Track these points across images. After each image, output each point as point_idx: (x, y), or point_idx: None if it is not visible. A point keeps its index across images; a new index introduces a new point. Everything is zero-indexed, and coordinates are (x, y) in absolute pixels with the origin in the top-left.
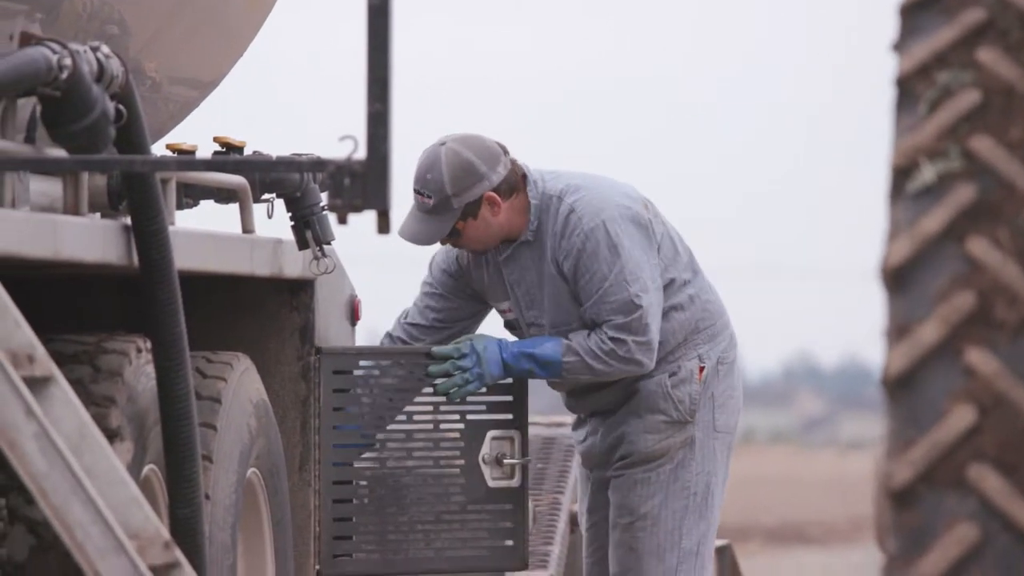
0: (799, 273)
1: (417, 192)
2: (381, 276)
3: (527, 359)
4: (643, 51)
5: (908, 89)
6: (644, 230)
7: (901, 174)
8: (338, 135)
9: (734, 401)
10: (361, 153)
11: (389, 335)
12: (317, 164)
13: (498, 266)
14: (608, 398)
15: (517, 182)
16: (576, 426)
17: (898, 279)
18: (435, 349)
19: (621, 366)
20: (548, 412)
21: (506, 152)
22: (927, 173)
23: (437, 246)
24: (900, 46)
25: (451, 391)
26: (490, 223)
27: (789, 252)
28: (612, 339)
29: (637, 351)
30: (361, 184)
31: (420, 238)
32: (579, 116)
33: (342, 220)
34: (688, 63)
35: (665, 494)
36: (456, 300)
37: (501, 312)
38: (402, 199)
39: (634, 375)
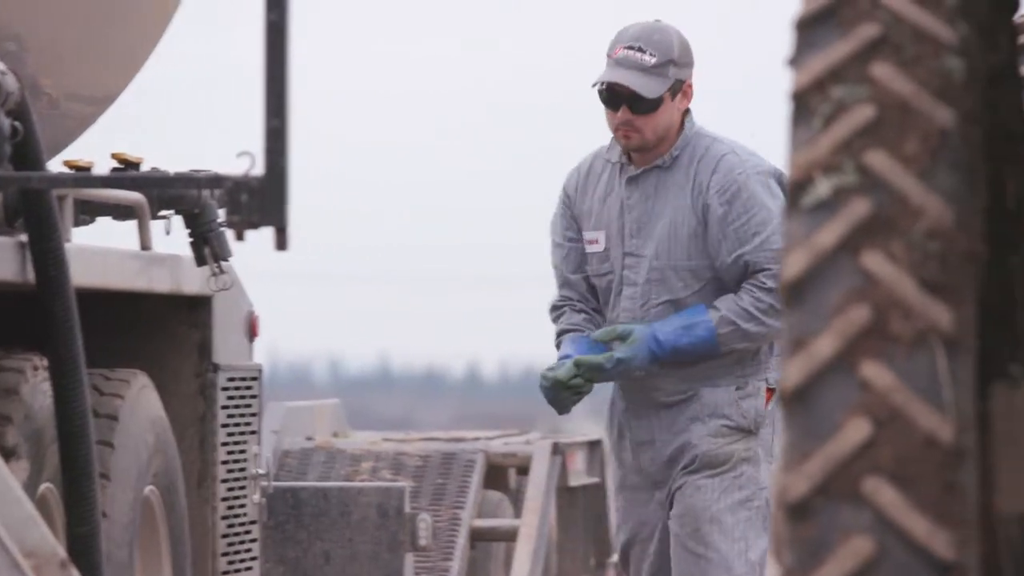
0: None
1: (637, 49)
2: (279, 292)
3: (680, 352)
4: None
5: (804, 103)
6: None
7: (798, 188)
8: (236, 151)
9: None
10: (259, 169)
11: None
12: (215, 180)
13: (614, 186)
14: (670, 391)
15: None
16: (616, 446)
17: (794, 293)
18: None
19: (774, 322)
20: (447, 427)
21: None
22: (822, 187)
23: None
24: (796, 60)
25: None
26: (673, 113)
27: None
28: (770, 290)
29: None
30: (259, 200)
31: (647, 89)
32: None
33: (239, 236)
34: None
35: (730, 501)
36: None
37: (587, 243)
38: (299, 215)
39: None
